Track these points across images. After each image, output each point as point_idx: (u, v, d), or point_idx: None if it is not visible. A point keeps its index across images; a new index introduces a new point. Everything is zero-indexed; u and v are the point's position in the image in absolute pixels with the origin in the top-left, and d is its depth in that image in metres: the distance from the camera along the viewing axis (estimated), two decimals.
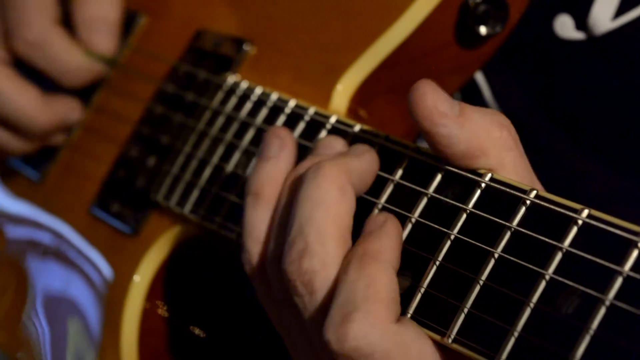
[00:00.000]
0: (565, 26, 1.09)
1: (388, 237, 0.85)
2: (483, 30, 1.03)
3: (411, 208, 0.88)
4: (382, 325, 0.80)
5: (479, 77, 1.16)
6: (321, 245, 0.85)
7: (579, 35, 1.08)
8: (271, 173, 0.95)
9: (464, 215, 0.84)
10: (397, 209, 0.89)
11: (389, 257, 0.84)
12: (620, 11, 1.05)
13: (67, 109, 1.32)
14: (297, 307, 0.87)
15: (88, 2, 1.30)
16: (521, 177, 0.85)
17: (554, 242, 0.78)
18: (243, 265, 0.96)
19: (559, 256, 0.77)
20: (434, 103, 0.83)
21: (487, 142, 0.84)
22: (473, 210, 0.84)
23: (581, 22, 1.08)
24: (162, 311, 1.17)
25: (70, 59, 1.29)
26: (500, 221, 0.81)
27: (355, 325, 0.80)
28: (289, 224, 0.88)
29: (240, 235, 0.97)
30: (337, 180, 0.88)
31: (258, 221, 0.95)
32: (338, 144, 0.97)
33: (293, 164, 0.97)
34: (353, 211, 0.89)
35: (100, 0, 1.30)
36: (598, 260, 0.75)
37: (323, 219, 0.86)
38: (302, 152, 1.00)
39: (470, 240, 0.83)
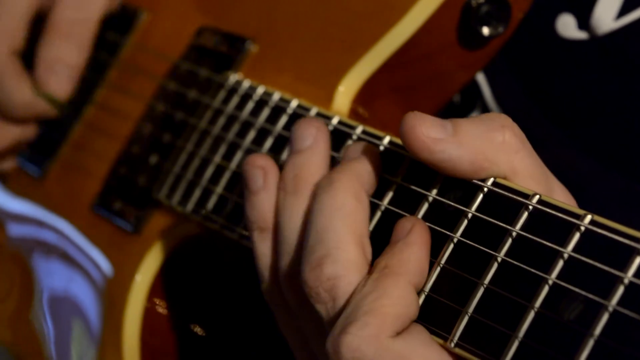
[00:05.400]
0: (567, 26, 1.09)
1: (411, 248, 0.84)
2: (485, 31, 1.03)
3: (414, 211, 0.88)
4: (377, 339, 0.79)
5: (480, 77, 1.16)
6: (342, 251, 0.84)
7: (581, 35, 1.08)
8: (267, 203, 0.95)
9: (467, 219, 0.84)
10: (399, 211, 0.89)
11: (408, 269, 0.83)
12: (623, 11, 1.05)
13: (45, 118, 1.32)
14: (320, 315, 0.86)
15: (54, 43, 1.29)
16: (535, 177, 0.84)
17: (557, 247, 0.78)
18: (264, 296, 0.96)
19: (561, 261, 0.77)
20: (425, 132, 0.82)
21: (491, 150, 0.83)
22: (475, 213, 0.84)
23: (584, 22, 1.07)
24: (163, 310, 1.17)
25: (16, 93, 1.29)
26: (503, 225, 0.81)
27: (349, 337, 0.79)
28: (305, 235, 0.88)
29: (254, 263, 0.97)
30: (352, 188, 0.87)
31: (272, 252, 0.94)
32: (313, 132, 0.95)
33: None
34: (369, 216, 0.88)
35: (67, 44, 1.29)
36: (600, 265, 0.75)
37: (342, 227, 0.85)
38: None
39: (473, 244, 0.83)
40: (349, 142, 0.97)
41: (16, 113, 1.30)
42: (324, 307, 0.85)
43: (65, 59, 1.29)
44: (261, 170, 0.96)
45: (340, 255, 0.84)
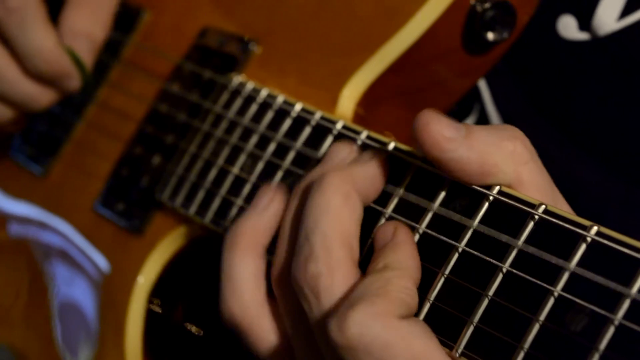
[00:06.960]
0: (568, 27, 1.09)
1: (404, 246, 0.86)
2: (490, 36, 1.03)
3: (418, 218, 0.88)
4: (385, 317, 0.80)
5: (479, 80, 1.15)
6: (326, 249, 0.86)
7: (582, 36, 1.08)
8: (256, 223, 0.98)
9: (471, 230, 0.84)
10: (404, 219, 0.89)
11: (408, 265, 0.85)
12: (625, 12, 1.05)
13: (68, 83, 1.29)
14: (305, 312, 0.87)
15: (78, 15, 1.28)
16: (542, 190, 0.85)
17: (560, 263, 0.78)
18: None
19: (567, 273, 0.77)
20: (439, 130, 0.83)
21: (499, 157, 0.84)
22: (477, 229, 0.84)
23: (585, 23, 1.07)
24: (166, 312, 1.17)
25: (43, 38, 1.24)
26: (506, 240, 0.82)
27: (357, 313, 0.80)
28: (297, 235, 0.89)
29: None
30: (341, 188, 0.88)
31: (243, 271, 0.98)
32: (346, 150, 0.97)
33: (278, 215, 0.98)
34: (359, 218, 0.89)
35: (91, 18, 1.29)
36: (606, 282, 0.75)
37: (327, 225, 0.87)
38: (306, 161, 1.01)
39: (478, 254, 0.83)
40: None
41: (39, 62, 1.25)
42: (308, 305, 0.86)
43: (88, 32, 1.29)
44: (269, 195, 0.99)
45: (324, 254, 0.86)
